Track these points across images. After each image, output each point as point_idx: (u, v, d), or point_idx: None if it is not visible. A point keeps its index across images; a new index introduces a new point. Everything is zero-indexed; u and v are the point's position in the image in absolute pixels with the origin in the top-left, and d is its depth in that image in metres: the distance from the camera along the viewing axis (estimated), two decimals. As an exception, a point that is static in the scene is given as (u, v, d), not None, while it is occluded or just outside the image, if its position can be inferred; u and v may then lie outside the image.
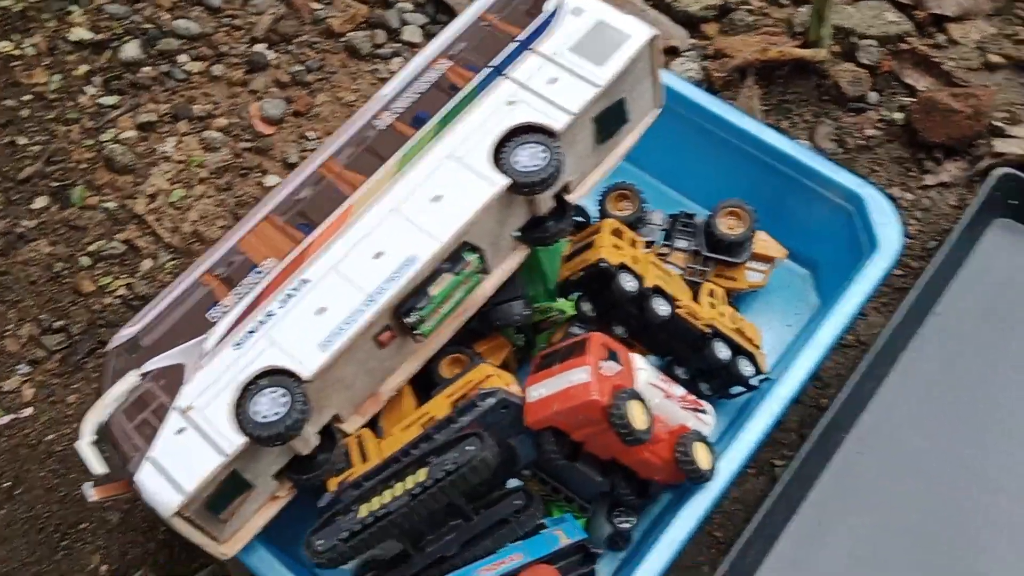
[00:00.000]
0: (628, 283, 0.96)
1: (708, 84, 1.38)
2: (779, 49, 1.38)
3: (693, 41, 1.44)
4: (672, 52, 1.42)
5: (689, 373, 1.03)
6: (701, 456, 0.86)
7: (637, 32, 0.91)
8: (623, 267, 0.96)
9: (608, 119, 0.93)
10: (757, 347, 1.03)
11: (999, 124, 1.28)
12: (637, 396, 0.82)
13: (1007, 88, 1.33)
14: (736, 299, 1.11)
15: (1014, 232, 1.20)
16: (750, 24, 1.46)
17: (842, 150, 1.30)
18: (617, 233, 1.01)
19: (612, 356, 0.85)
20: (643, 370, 0.86)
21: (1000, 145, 1.27)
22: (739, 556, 0.92)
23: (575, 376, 0.82)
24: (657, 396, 0.86)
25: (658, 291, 0.97)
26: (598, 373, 0.81)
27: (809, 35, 1.39)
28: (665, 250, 1.08)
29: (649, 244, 1.08)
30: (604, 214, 1.09)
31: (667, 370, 1.02)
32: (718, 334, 0.99)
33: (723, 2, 1.48)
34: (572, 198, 0.92)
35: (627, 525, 0.92)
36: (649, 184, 1.20)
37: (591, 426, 0.82)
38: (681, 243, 1.08)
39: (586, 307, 1.00)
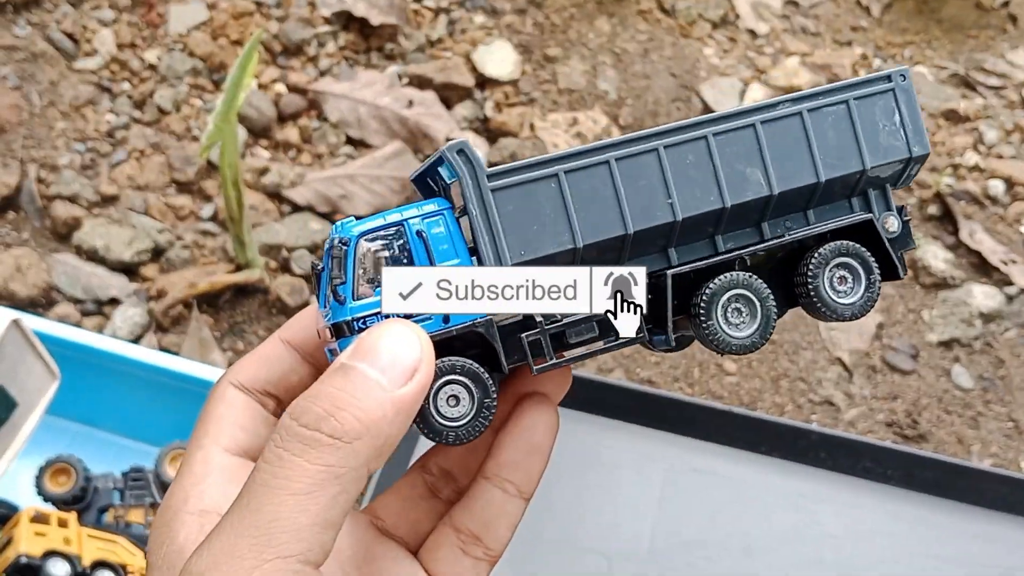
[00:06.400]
0: (58, 569, 0.94)
1: (157, 325, 1.41)
2: (210, 280, 1.44)
3: (135, 286, 1.46)
4: (114, 302, 1.45)
5: None
6: None
7: None
8: (51, 554, 0.93)
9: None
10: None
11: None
12: None
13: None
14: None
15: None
16: (187, 259, 1.50)
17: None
18: (41, 518, 0.98)
19: None
20: None
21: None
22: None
23: None
24: None
25: (101, 565, 0.96)
26: None
27: (238, 259, 1.45)
28: (123, 511, 1.09)
29: (105, 509, 1.09)
30: (42, 493, 1.07)
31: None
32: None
33: (154, 244, 1.50)
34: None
35: None
36: (102, 440, 1.23)
37: None
38: (136, 500, 1.10)
39: None
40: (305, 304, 1.44)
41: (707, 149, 0.52)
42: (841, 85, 0.54)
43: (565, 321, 0.50)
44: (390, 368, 0.43)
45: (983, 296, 1.64)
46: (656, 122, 1.83)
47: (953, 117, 1.93)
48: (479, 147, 1.74)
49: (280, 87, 1.77)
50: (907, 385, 1.54)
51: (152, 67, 1.75)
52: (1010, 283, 1.66)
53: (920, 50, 2.12)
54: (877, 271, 0.55)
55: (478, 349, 0.50)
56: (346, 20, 1.86)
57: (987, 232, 1.74)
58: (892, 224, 0.57)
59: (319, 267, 0.50)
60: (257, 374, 0.52)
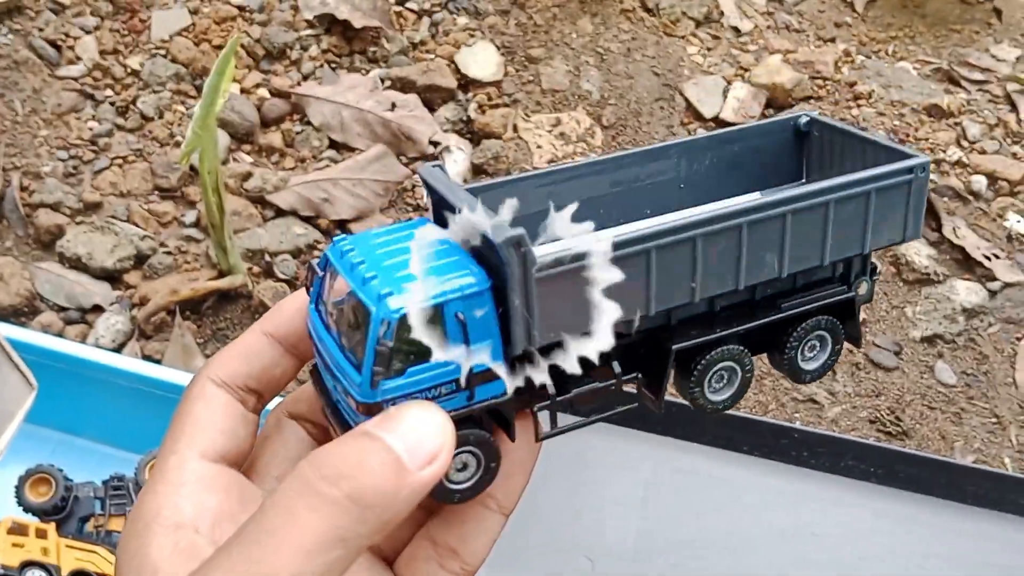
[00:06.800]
0: None
1: (140, 332, 1.41)
2: (193, 287, 1.43)
3: (118, 293, 1.46)
4: (97, 310, 1.45)
5: None
6: None
7: None
8: (29, 564, 0.93)
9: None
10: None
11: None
12: None
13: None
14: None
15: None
16: (170, 265, 1.50)
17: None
18: (18, 529, 0.97)
19: None
20: None
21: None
22: None
23: None
24: None
25: (79, 575, 0.97)
26: None
27: (221, 266, 1.45)
28: (104, 520, 1.09)
29: (86, 518, 1.07)
30: (23, 504, 1.05)
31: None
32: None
33: (137, 251, 1.50)
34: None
35: None
36: (84, 448, 1.21)
37: None
38: (117, 509, 1.09)
39: None
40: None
41: (738, 237, 0.52)
42: (868, 176, 0.54)
43: (574, 393, 0.50)
44: (414, 449, 0.42)
45: (966, 292, 1.64)
46: (639, 121, 1.83)
47: (936, 112, 1.93)
48: (463, 149, 1.74)
49: (263, 91, 1.77)
50: (890, 382, 1.54)
51: (135, 73, 1.75)
52: (993, 278, 1.67)
53: (904, 45, 2.12)
54: (843, 343, 0.58)
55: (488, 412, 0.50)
56: (329, 23, 1.86)
57: (970, 227, 1.75)
58: (863, 289, 0.58)
59: (320, 274, 0.49)
60: (238, 368, 0.50)
